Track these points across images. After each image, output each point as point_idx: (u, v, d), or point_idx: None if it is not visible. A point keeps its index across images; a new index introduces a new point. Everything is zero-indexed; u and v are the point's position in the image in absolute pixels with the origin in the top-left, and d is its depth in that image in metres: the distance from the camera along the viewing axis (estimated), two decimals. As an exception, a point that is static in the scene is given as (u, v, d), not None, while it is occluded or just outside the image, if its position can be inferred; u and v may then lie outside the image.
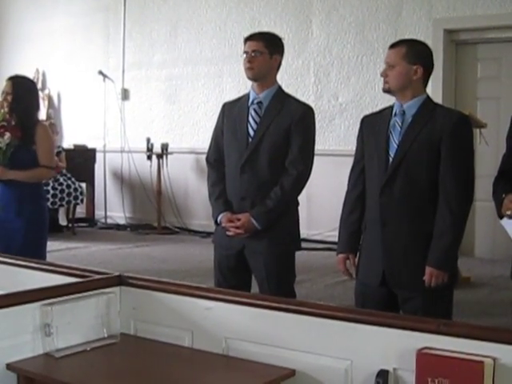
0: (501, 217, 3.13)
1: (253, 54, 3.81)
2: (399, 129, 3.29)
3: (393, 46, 3.33)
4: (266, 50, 3.81)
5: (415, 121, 3.27)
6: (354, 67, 8.43)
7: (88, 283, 2.57)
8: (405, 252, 3.24)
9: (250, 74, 3.85)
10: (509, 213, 3.06)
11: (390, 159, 3.26)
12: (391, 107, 3.40)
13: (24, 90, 4.92)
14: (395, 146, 3.26)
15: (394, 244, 3.26)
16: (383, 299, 3.29)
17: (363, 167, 3.44)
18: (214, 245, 4.04)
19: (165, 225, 9.61)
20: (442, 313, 3.19)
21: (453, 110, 3.51)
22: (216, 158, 3.99)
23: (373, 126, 3.43)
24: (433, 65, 3.37)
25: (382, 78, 3.35)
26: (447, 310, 3.30)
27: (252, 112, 3.86)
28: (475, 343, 1.96)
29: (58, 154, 9.00)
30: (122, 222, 10.05)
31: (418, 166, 3.22)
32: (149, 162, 9.58)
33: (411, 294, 3.24)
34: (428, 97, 3.35)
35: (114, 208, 10.18)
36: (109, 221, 10.15)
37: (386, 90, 3.34)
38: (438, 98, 7.01)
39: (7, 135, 4.65)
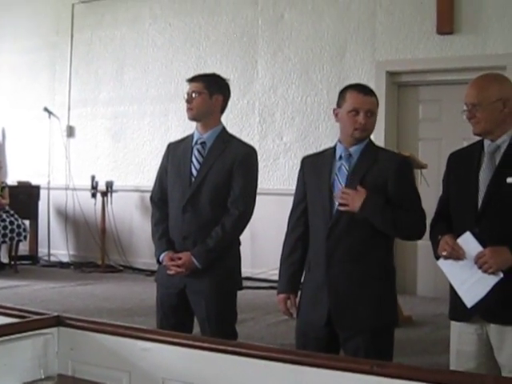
0: (437, 257, 3.21)
1: (192, 95, 3.86)
2: (346, 172, 3.33)
3: (370, 93, 3.35)
4: (205, 90, 3.86)
5: (360, 164, 3.32)
6: (298, 107, 8.54)
7: (25, 324, 2.54)
8: (349, 292, 3.28)
9: (189, 115, 3.91)
10: (444, 253, 3.13)
11: (336, 202, 3.30)
12: (332, 149, 3.44)
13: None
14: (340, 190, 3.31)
15: (340, 284, 3.29)
16: (325, 339, 3.32)
17: (304, 208, 3.47)
18: (156, 283, 4.04)
19: (109, 263, 9.54)
20: (383, 352, 3.23)
21: (394, 153, 3.59)
22: (160, 198, 4.01)
23: (314, 167, 3.47)
24: None
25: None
26: (388, 349, 3.34)
27: (195, 152, 3.90)
28: (408, 384, 1.99)
29: (2, 189, 8.91)
30: (65, 259, 9.95)
31: None
32: (93, 199, 9.52)
33: (353, 334, 3.27)
34: (370, 139, 3.42)
35: (58, 246, 10.08)
36: (52, 258, 10.04)
37: (364, 138, 3.36)
38: (380, 139, 7.17)
39: None
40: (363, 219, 3.25)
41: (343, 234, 3.28)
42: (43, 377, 2.53)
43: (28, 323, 2.56)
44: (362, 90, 3.36)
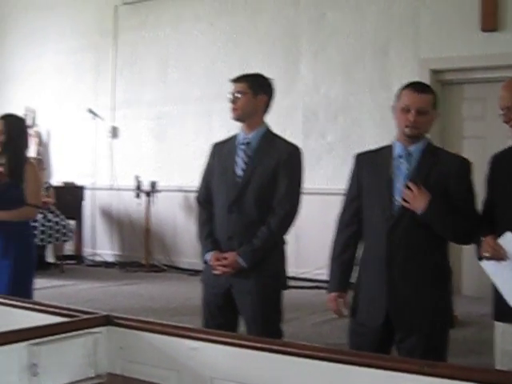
0: (480, 258, 3.18)
1: (237, 95, 3.87)
2: (406, 171, 3.31)
3: (422, 92, 3.32)
4: (249, 90, 3.86)
5: (422, 163, 3.30)
6: (341, 106, 8.51)
7: (76, 323, 2.57)
8: (408, 293, 3.26)
9: (233, 115, 3.92)
10: (486, 254, 3.11)
11: (395, 202, 3.28)
12: (389, 147, 3.42)
13: (15, 128, 4.95)
14: (401, 188, 3.29)
15: (401, 284, 3.27)
16: (380, 339, 3.31)
17: (358, 207, 3.45)
18: (202, 283, 4.06)
19: (153, 262, 9.61)
20: (438, 352, 3.23)
21: (454, 154, 3.54)
22: (205, 198, 4.03)
23: (372, 166, 3.45)
24: None
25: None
26: (443, 350, 3.32)
27: (240, 152, 3.90)
28: (458, 384, 1.98)
29: (47, 189, 9.02)
30: (110, 259, 10.04)
31: None
32: (137, 199, 9.59)
33: (409, 334, 3.26)
34: (429, 139, 3.41)
35: (103, 245, 10.18)
36: (97, 258, 10.15)
37: (415, 135, 3.32)
38: (424, 138, 7.09)
39: None
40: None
41: (404, 235, 3.26)
42: (93, 375, 2.57)
43: (78, 322, 2.59)
44: (415, 87, 3.34)
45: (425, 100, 3.30)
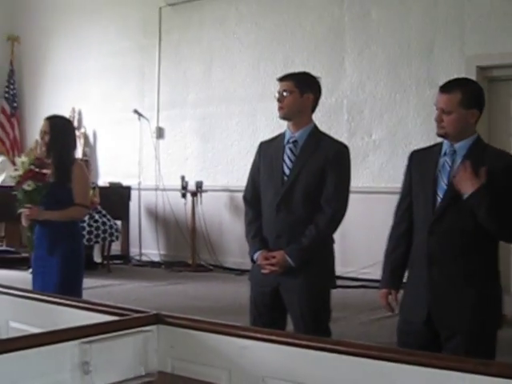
0: None
1: (283, 94, 3.86)
2: (448, 168, 3.28)
3: (446, 91, 3.28)
4: (296, 89, 3.85)
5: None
6: (386, 104, 8.45)
7: (126, 321, 2.59)
8: (452, 291, 3.23)
9: (280, 114, 3.91)
10: None
11: (439, 199, 3.26)
12: (440, 144, 3.39)
13: (61, 129, 5.00)
14: (444, 186, 3.25)
15: (441, 283, 3.24)
16: (426, 338, 3.27)
17: (409, 204, 3.43)
18: (250, 282, 4.06)
19: (199, 262, 9.64)
20: (485, 353, 3.17)
21: (503, 151, 3.48)
22: (253, 197, 4.02)
23: (420, 163, 3.43)
24: (484, 103, 3.37)
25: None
26: (490, 350, 3.27)
27: (287, 151, 3.90)
28: (513, 383, 1.95)
29: (93, 190, 9.11)
30: (156, 259, 10.10)
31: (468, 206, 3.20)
32: (183, 199, 9.63)
33: (454, 333, 3.22)
34: (479, 136, 3.34)
35: (149, 245, 10.24)
36: (143, 258, 10.21)
37: (442, 135, 3.31)
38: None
39: (28, 182, 4.73)
40: (466, 215, 3.18)
41: (445, 232, 3.22)
42: (144, 373, 2.58)
43: (128, 321, 2.60)
44: (441, 87, 3.33)
45: (447, 100, 3.26)
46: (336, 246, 4.03)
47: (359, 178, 8.30)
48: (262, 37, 9.46)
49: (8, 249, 10.00)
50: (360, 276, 7.94)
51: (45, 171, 4.77)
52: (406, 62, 8.35)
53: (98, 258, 9.78)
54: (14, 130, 11.94)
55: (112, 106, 10.87)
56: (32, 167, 4.76)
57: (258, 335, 2.45)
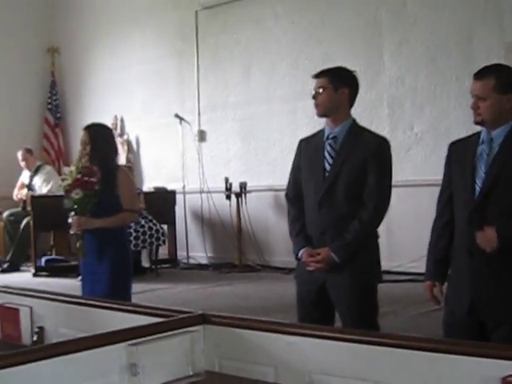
0: None
1: (318, 91, 3.86)
2: (486, 157, 3.25)
3: (480, 77, 3.28)
4: (330, 85, 3.84)
5: (503, 149, 3.23)
6: (427, 97, 8.38)
7: (172, 322, 2.61)
8: (494, 281, 3.20)
9: (317, 111, 3.91)
10: None
11: (477, 187, 3.23)
12: (478, 134, 3.36)
13: (100, 137, 5.05)
14: (482, 174, 3.23)
15: (483, 273, 3.21)
16: (472, 328, 3.24)
17: (450, 195, 3.41)
18: (295, 280, 4.06)
19: (246, 263, 9.66)
20: None
21: None
22: (295, 194, 4.03)
23: (459, 153, 3.41)
24: None
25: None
26: None
27: (328, 147, 3.89)
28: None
29: (138, 195, 9.18)
30: (203, 261, 10.15)
31: (508, 194, 3.18)
32: (228, 201, 9.66)
33: (500, 323, 3.19)
34: None
35: (196, 248, 10.29)
36: (191, 261, 10.26)
37: (479, 122, 3.29)
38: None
39: (77, 191, 4.79)
40: (507, 205, 3.16)
41: (487, 221, 3.19)
42: (191, 373, 2.59)
43: (175, 322, 2.62)
44: (476, 73, 3.33)
45: (480, 86, 3.27)
46: (382, 241, 4.01)
47: (403, 172, 8.23)
48: (299, 35, 9.45)
49: (57, 257, 10.12)
50: (407, 270, 7.88)
51: (93, 179, 4.82)
52: (445, 53, 8.27)
53: (146, 263, 9.85)
54: (59, 140, 12.10)
55: (153, 111, 10.96)
56: (80, 176, 4.81)
57: (304, 331, 2.45)
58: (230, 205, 9.67)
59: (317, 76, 3.93)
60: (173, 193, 10.34)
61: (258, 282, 8.68)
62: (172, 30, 10.79)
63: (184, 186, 10.40)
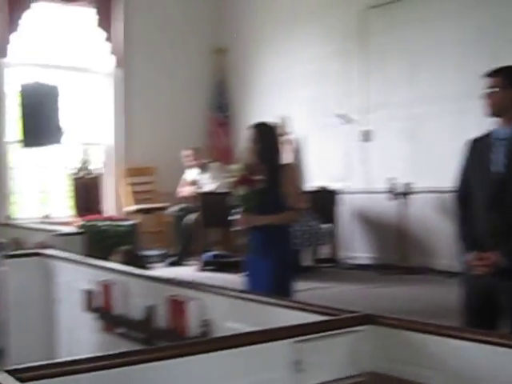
0: None
1: (491, 90, 3.75)
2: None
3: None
4: (504, 84, 3.73)
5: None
6: None
7: (338, 321, 2.61)
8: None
9: (488, 111, 3.82)
10: None
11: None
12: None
13: (267, 135, 5.13)
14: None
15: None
16: None
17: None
18: (461, 284, 3.97)
19: (409, 265, 9.51)
20: None
21: None
22: (463, 196, 3.94)
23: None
24: None
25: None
26: None
27: (498, 149, 3.77)
28: None
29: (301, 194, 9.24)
30: (365, 262, 10.08)
31: None
32: (391, 202, 9.54)
33: None
34: None
35: (358, 248, 10.24)
36: (352, 261, 10.22)
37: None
38: None
39: (242, 188, 4.87)
40: None
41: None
42: (355, 374, 2.58)
43: (340, 321, 2.62)
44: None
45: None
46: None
47: None
48: (466, 34, 9.19)
49: (222, 253, 10.35)
50: None
51: (258, 177, 4.90)
52: None
53: (307, 262, 9.89)
54: (226, 138, 12.37)
55: (318, 110, 10.99)
56: (246, 173, 4.91)
57: (474, 336, 2.39)
58: (394, 205, 9.55)
59: (489, 75, 3.82)
60: (336, 192, 10.33)
61: (420, 284, 8.52)
62: (336, 29, 10.78)
63: (348, 186, 10.37)
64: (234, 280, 7.29)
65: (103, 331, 4.64)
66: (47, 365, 2.10)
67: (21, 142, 9.61)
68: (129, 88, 11.76)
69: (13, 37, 10.54)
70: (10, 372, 1.99)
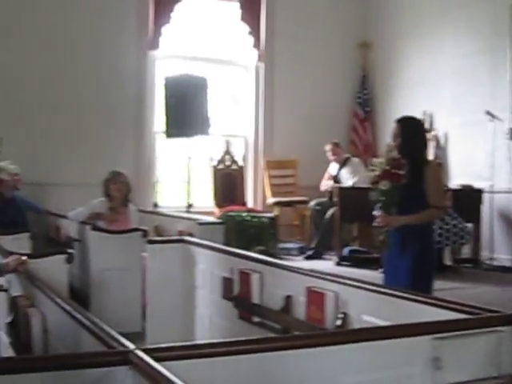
0: None
1: None
2: None
3: None
4: None
5: None
6: None
7: (479, 320, 2.55)
8: None
9: None
10: None
11: None
12: None
13: (411, 130, 5.06)
14: None
15: None
16: None
17: None
18: None
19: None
20: None
21: None
22: None
23: None
24: None
25: None
26: None
27: None
28: None
29: (444, 192, 9.06)
30: (508, 264, 9.77)
31: None
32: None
33: None
34: None
35: (501, 249, 9.94)
36: (494, 262, 9.92)
37: None
38: None
39: (384, 183, 4.81)
40: None
41: None
42: (495, 375, 2.52)
43: (481, 320, 2.57)
44: None
45: None
46: None
47: None
48: None
49: (360, 248, 10.29)
50: None
51: (401, 172, 4.83)
52: None
53: (448, 261, 9.69)
54: (367, 133, 12.28)
55: (463, 107, 10.72)
56: (388, 167, 4.85)
57: None
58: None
59: None
60: (480, 191, 10.06)
61: None
62: (484, 25, 10.46)
63: (492, 185, 10.08)
64: (373, 276, 7.26)
65: (240, 319, 4.71)
66: (183, 346, 2.16)
67: (165, 132, 9.87)
68: (270, 81, 11.86)
69: (164, 29, 10.85)
70: (146, 351, 2.05)
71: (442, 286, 7.73)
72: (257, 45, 11.64)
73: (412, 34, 11.68)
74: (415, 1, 11.70)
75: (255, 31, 11.60)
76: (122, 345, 2.20)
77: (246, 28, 11.58)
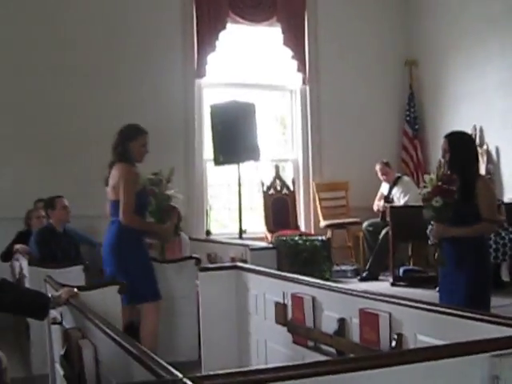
0: None
1: None
2: None
3: None
4: None
5: None
6: None
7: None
8: None
9: None
10: None
11: None
12: None
13: (461, 145, 5.00)
14: None
15: None
16: None
17: None
18: None
19: None
20: None
21: None
22: None
23: None
24: None
25: None
26: None
27: None
28: None
29: (498, 207, 8.91)
30: None
31: None
32: None
33: None
34: None
35: None
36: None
37: None
38: None
39: (436, 199, 4.76)
40: None
41: None
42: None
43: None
44: None
45: None
46: None
47: None
48: None
49: (415, 268, 10.17)
50: None
51: (452, 187, 4.78)
52: None
53: (505, 277, 9.52)
54: (417, 151, 12.16)
55: (514, 120, 10.58)
56: (440, 183, 4.80)
57: None
58: None
59: None
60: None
61: None
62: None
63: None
64: (429, 295, 7.15)
65: (294, 343, 4.67)
66: (230, 373, 2.11)
67: (214, 159, 9.91)
68: (316, 104, 11.83)
69: (210, 57, 10.94)
70: (194, 379, 2.02)
71: (499, 303, 7.57)
72: (301, 68, 11.64)
73: (457, 49, 11.54)
74: (460, 16, 11.56)
75: (298, 55, 11.60)
76: (171, 373, 2.18)
77: (288, 52, 11.59)
